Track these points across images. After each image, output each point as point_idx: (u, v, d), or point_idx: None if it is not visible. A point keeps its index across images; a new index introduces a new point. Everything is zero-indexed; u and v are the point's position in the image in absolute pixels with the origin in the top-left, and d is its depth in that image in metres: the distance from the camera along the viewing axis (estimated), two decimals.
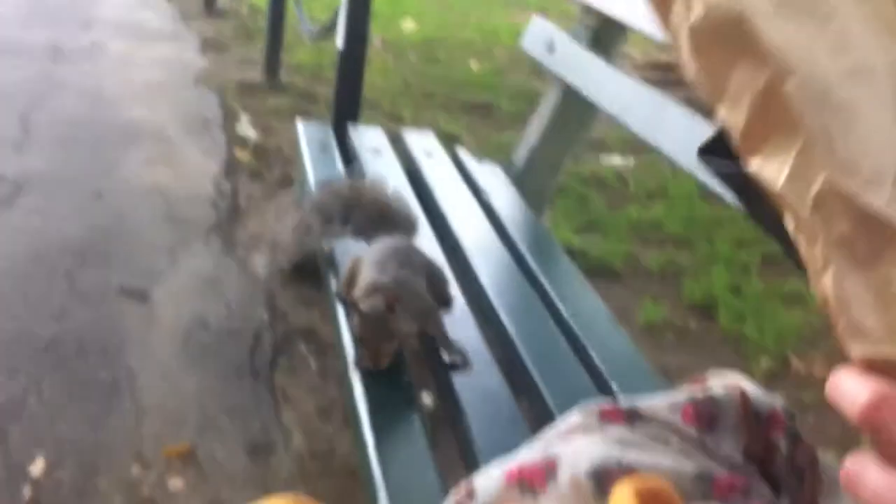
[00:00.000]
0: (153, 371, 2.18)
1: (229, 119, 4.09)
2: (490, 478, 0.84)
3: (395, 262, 1.48)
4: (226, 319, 2.44)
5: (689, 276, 3.02)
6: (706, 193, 3.74)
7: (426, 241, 1.88)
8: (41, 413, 1.99)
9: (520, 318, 1.57)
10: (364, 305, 1.34)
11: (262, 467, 1.92)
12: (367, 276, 1.46)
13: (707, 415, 0.86)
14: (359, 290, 1.43)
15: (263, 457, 1.95)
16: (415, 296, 1.43)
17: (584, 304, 1.70)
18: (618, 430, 0.86)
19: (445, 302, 1.59)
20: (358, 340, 1.35)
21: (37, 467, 1.84)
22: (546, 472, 0.81)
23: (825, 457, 0.90)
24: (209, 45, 5.36)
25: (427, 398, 1.54)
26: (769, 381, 2.44)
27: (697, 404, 0.87)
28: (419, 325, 1.43)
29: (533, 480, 0.81)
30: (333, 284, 1.70)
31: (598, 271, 2.88)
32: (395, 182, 2.23)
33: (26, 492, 1.77)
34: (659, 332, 2.66)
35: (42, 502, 1.76)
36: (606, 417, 0.88)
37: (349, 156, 2.46)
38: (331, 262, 1.81)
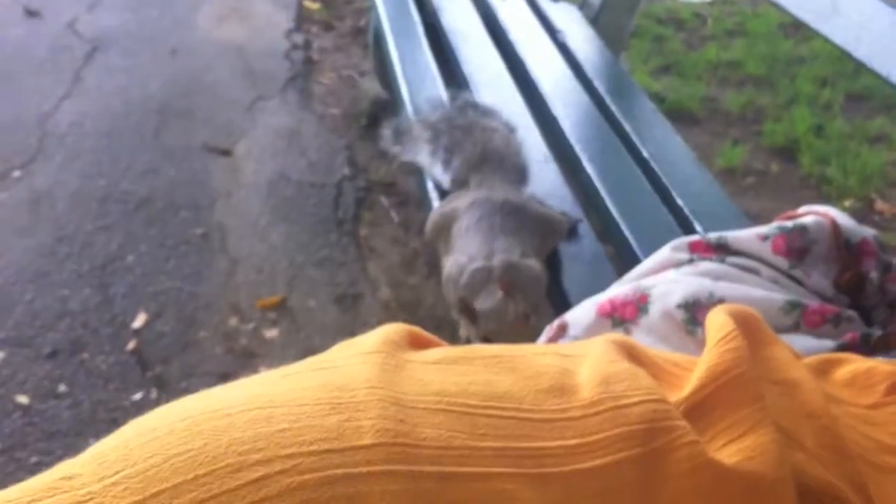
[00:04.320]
0: (242, 225, 2.25)
1: None
2: (582, 312, 0.86)
3: (500, 227, 1.26)
4: (308, 173, 2.48)
5: (770, 118, 2.93)
6: (788, 30, 3.60)
7: (506, 90, 1.87)
8: (139, 269, 2.08)
9: (602, 163, 1.56)
10: (480, 305, 1.17)
11: (352, 316, 1.99)
12: (466, 251, 1.24)
13: (797, 245, 0.86)
14: (464, 278, 1.21)
15: (352, 307, 2.02)
16: (526, 277, 1.22)
17: (666, 145, 1.68)
18: (707, 264, 0.86)
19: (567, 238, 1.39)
20: (482, 340, 1.17)
21: (139, 321, 1.93)
22: (637, 304, 0.83)
23: None
24: None
25: None
26: None
27: (787, 235, 0.86)
28: (534, 302, 1.23)
29: (625, 313, 0.83)
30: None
31: (676, 114, 2.82)
32: (471, 27, 2.20)
33: (130, 344, 1.86)
34: (739, 175, 2.62)
35: (145, 353, 1.85)
36: (696, 251, 0.88)
37: (423, 2, 2.41)
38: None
